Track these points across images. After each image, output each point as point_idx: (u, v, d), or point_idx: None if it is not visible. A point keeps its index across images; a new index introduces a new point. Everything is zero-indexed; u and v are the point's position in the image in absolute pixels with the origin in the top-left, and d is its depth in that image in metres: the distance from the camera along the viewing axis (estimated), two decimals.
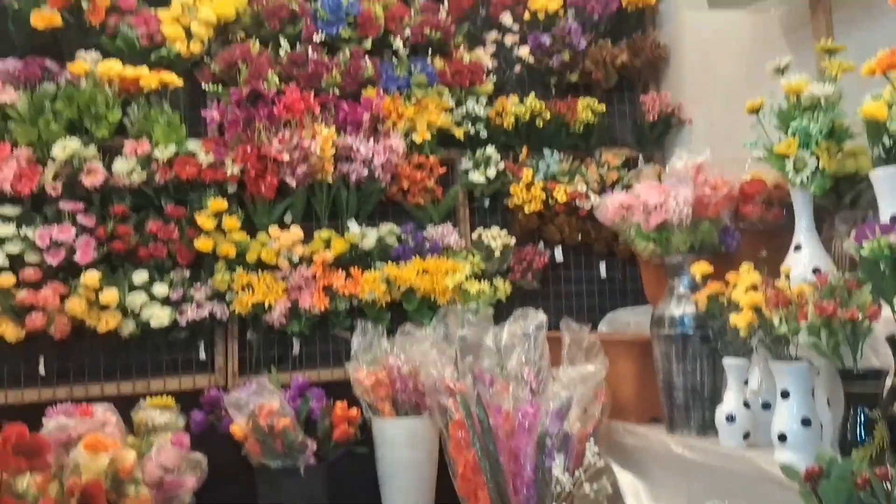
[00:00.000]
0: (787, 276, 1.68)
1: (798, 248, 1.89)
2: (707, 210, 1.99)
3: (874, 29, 2.08)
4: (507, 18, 3.02)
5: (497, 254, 2.80)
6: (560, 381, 2.01)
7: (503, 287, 2.74)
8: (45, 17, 2.43)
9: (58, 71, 2.52)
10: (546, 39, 2.99)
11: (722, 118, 2.78)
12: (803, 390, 1.59)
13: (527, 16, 3.03)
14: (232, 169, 2.56)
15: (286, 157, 2.57)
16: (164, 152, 2.50)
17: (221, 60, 2.66)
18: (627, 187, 2.94)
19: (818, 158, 1.82)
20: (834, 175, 1.84)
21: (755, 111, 1.98)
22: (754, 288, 1.66)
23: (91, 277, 2.37)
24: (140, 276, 2.45)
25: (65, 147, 2.39)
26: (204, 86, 2.67)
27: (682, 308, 1.99)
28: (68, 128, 2.48)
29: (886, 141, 1.67)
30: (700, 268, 1.89)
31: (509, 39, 3.03)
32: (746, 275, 1.72)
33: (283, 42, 2.75)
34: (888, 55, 1.54)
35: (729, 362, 1.81)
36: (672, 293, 2.04)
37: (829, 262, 1.86)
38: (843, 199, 1.92)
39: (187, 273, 2.55)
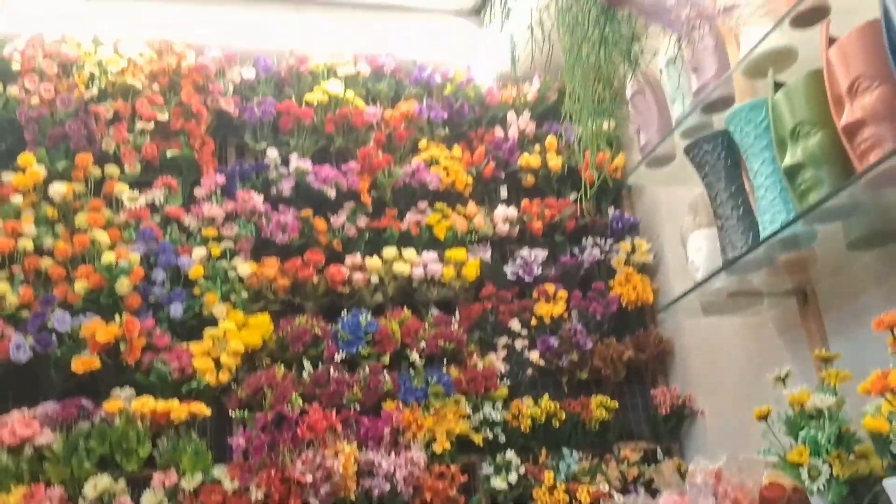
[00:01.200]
0: None
1: None
2: None
3: (863, 330, 2.18)
4: (515, 324, 3.21)
5: None
6: None
7: None
8: (85, 363, 2.59)
9: (93, 409, 2.63)
10: (554, 342, 3.16)
11: (731, 410, 2.86)
12: None
13: (533, 321, 3.22)
14: (256, 494, 2.58)
15: (309, 479, 2.60)
16: (190, 482, 2.54)
17: (248, 387, 2.79)
18: (648, 483, 2.96)
19: (831, 466, 1.87)
20: (848, 480, 1.87)
21: (763, 418, 2.07)
22: None
23: None
24: None
25: (96, 485, 2.44)
26: (231, 413, 2.77)
27: None
28: (99, 463, 2.54)
29: (894, 450, 1.74)
30: None
31: (519, 344, 3.20)
32: None
33: (307, 364, 2.90)
34: (880, 378, 1.65)
35: None
36: None
37: None
38: (861, 501, 1.94)
39: None
